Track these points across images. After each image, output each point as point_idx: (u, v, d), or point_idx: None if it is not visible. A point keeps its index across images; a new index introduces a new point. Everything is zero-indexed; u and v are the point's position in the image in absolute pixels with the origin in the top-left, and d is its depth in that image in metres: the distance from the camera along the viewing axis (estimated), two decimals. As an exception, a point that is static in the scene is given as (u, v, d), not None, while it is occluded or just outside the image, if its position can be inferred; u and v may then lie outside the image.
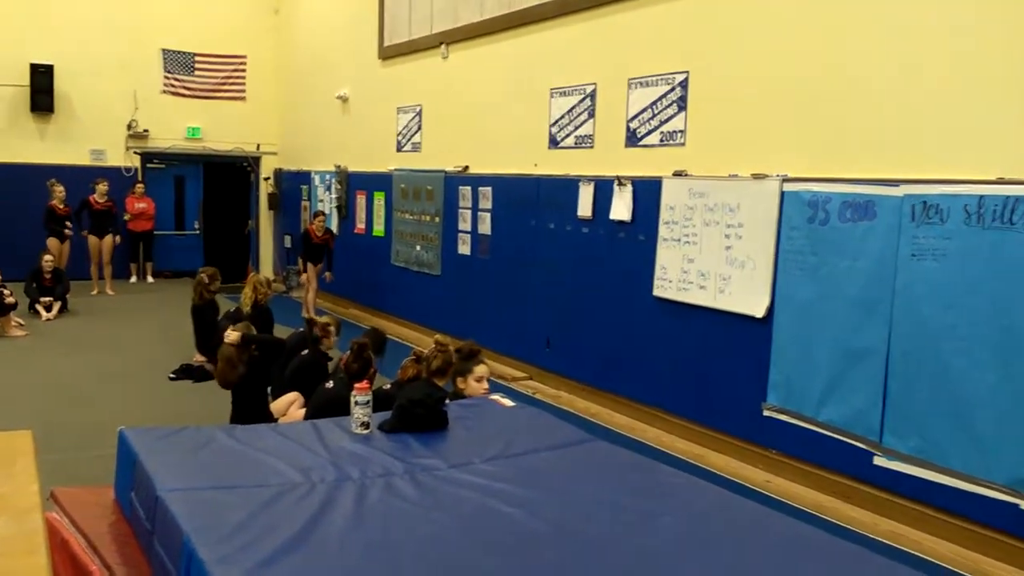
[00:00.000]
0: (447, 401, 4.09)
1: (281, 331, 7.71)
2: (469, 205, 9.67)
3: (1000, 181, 4.73)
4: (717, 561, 2.72)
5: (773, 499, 5.46)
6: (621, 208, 7.40)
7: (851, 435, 5.48)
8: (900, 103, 5.33)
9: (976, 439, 4.79)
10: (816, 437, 5.71)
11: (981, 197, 4.79)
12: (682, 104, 6.91)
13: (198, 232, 15.51)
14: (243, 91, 15.14)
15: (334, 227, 12.47)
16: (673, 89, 6.98)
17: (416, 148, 10.97)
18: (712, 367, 6.56)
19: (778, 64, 6.11)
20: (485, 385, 4.65)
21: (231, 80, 15.06)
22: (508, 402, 4.33)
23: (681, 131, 6.94)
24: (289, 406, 5.92)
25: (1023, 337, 4.57)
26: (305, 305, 11.33)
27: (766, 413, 6.08)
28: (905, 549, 4.83)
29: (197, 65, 14.78)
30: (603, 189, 7.61)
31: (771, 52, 6.17)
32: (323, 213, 11.89)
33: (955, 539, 4.88)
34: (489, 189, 9.32)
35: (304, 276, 11.62)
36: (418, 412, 3.78)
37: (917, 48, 5.24)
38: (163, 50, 14.50)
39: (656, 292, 7.03)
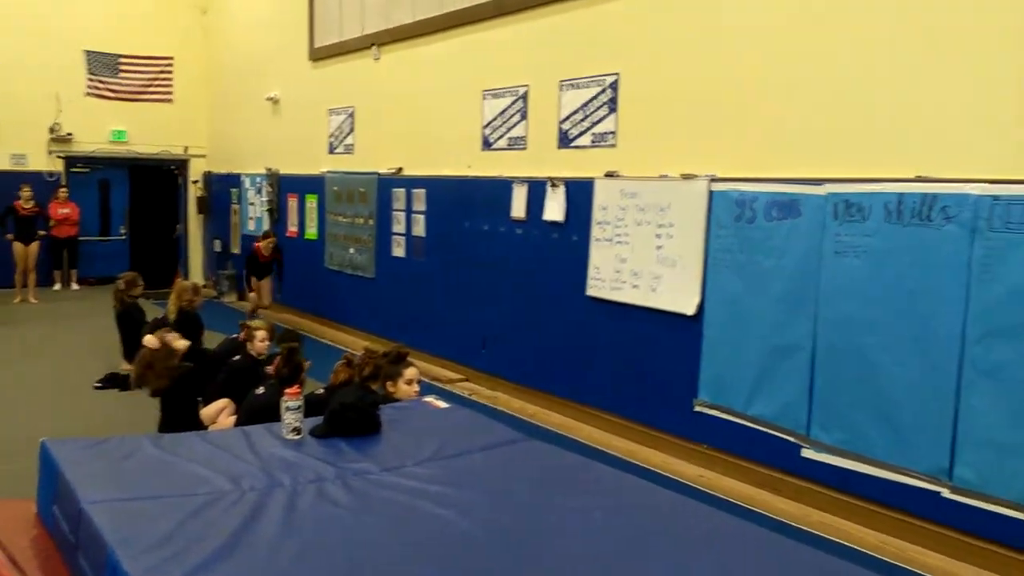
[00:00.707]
0: (380, 405, 4.06)
1: (213, 338, 7.57)
2: (403, 207, 9.63)
3: (918, 179, 4.88)
4: (650, 557, 2.75)
5: (705, 493, 5.54)
6: (554, 209, 7.44)
7: (780, 428, 5.61)
8: (823, 104, 5.47)
9: (898, 430, 4.94)
10: (746, 431, 5.83)
11: (901, 195, 4.94)
12: (613, 106, 6.98)
13: (124, 238, 15.15)
14: (170, 93, 14.83)
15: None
16: (604, 91, 7.04)
17: (349, 150, 10.87)
18: (645, 365, 6.64)
19: (706, 66, 6.21)
20: (416, 388, 4.63)
21: (157, 82, 14.73)
22: (442, 404, 4.32)
23: (612, 132, 7.01)
24: (219, 413, 5.81)
25: (941, 331, 4.72)
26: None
27: (698, 409, 6.19)
28: (833, 539, 4.95)
29: (122, 67, 14.43)
30: (536, 190, 7.65)
31: (700, 54, 6.27)
32: (273, 234, 11.35)
33: (881, 527, 5.02)
34: (423, 191, 9.29)
35: (252, 295, 11.31)
36: (350, 416, 3.74)
37: (839, 51, 5.38)
38: (86, 51, 14.12)
39: (590, 292, 7.09)
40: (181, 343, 5.97)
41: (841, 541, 4.93)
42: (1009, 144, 4.57)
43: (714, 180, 6.08)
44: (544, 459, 3.77)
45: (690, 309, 6.20)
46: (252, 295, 11.30)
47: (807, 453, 5.44)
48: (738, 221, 5.90)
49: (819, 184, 5.37)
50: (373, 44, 10.13)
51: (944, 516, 4.75)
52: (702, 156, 6.22)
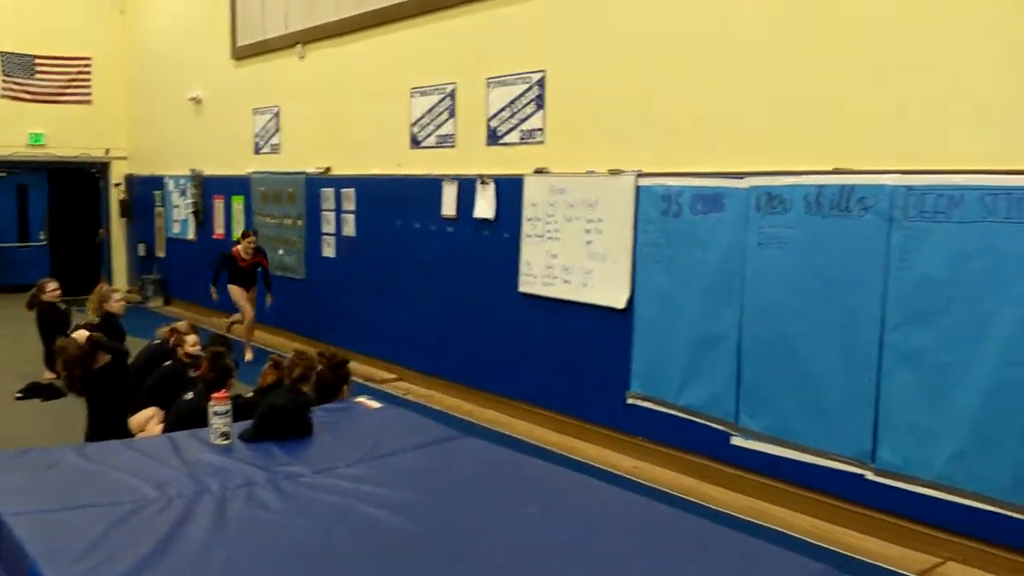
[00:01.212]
0: (311, 407, 4.02)
1: (136, 344, 7.38)
2: (332, 207, 9.53)
3: (836, 171, 5.02)
4: (583, 548, 2.78)
5: (640, 484, 5.61)
6: (485, 206, 7.45)
7: (709, 418, 5.71)
8: (745, 99, 5.57)
9: (823, 415, 5.07)
10: (677, 421, 5.92)
11: (820, 187, 5.07)
12: (540, 103, 7.02)
13: (44, 243, 14.68)
14: (89, 94, 14.41)
15: (191, 233, 12.03)
16: (531, 88, 7.07)
17: (275, 150, 10.72)
18: (578, 359, 6.69)
19: (632, 63, 6.28)
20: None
21: (76, 83, 14.30)
22: (374, 404, 4.30)
23: (540, 129, 7.04)
24: (148, 421, 5.67)
25: (862, 318, 4.86)
26: (243, 341, 9.37)
27: (630, 401, 6.26)
28: (763, 523, 5.05)
29: (38, 68, 13.96)
30: (466, 188, 7.64)
31: (625, 52, 6.34)
32: (254, 232, 9.65)
33: (810, 511, 5.15)
34: (352, 190, 9.20)
35: (237, 315, 9.73)
36: (280, 419, 3.70)
37: (757, 47, 5.49)
38: (1, 53, 13.63)
39: (522, 288, 7.12)
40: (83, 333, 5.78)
41: (771, 526, 5.03)
42: (921, 135, 4.72)
43: (641, 175, 6.15)
44: (478, 455, 3.79)
45: (620, 303, 6.28)
46: (237, 316, 9.75)
47: (736, 441, 5.55)
48: (665, 215, 5.98)
49: (742, 178, 5.48)
50: (298, 43, 10.00)
51: (869, 498, 4.90)
52: (629, 152, 6.29)
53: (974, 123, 4.52)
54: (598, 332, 6.50)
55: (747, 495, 5.42)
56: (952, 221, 4.50)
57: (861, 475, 4.92)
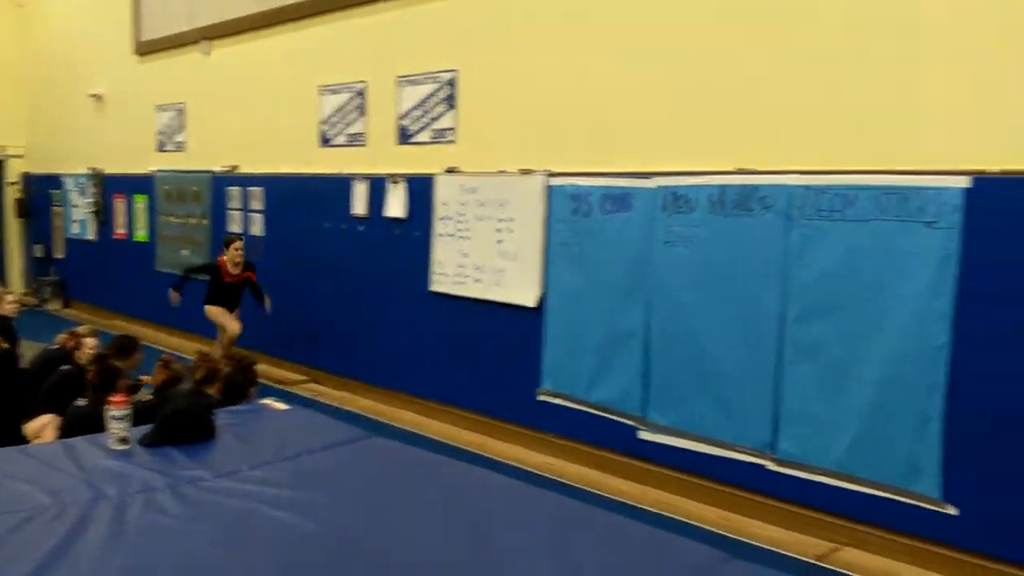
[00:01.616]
0: (215, 409, 3.93)
1: (32, 348, 7.10)
2: (239, 206, 9.33)
3: (739, 172, 5.16)
4: (489, 546, 2.79)
5: (550, 480, 5.66)
6: (396, 205, 7.41)
7: (618, 413, 5.81)
8: (652, 101, 5.68)
9: (726, 408, 5.21)
10: (587, 417, 6.00)
11: (723, 187, 5.20)
12: (452, 102, 7.01)
13: (-67, 245, 13.99)
14: (-18, 90, 13.77)
15: (91, 233, 11.62)
16: (442, 87, 7.07)
17: (180, 148, 10.44)
18: (490, 358, 6.72)
19: (543, 64, 6.34)
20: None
21: (-32, 78, 13.65)
22: (281, 405, 4.23)
23: (451, 128, 7.04)
24: (43, 428, 5.45)
25: (763, 313, 5.01)
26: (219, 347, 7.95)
27: (541, 398, 6.32)
28: (672, 516, 5.15)
29: (-73, 62, 13.29)
30: (377, 187, 7.59)
31: (536, 53, 6.39)
32: (240, 237, 8.33)
33: (716, 502, 5.28)
34: (260, 189, 9.03)
35: (222, 335, 8.17)
36: (180, 422, 3.60)
37: (665, 51, 5.60)
38: None
39: (433, 287, 7.11)
40: None
41: (677, 517, 5.14)
42: (818, 136, 4.89)
43: (551, 175, 6.21)
44: (387, 456, 3.75)
45: (531, 301, 6.32)
46: (222, 335, 8.23)
47: (644, 435, 5.65)
48: (575, 215, 6.05)
49: (649, 178, 5.58)
50: (203, 38, 9.76)
51: (770, 487, 5.05)
52: (539, 152, 6.35)
53: (866, 125, 4.70)
54: (510, 331, 6.53)
55: (655, 488, 5.53)
56: (847, 220, 4.67)
57: (763, 465, 5.07)
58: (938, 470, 4.42)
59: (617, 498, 5.41)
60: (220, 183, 9.59)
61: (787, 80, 5.02)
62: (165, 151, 10.70)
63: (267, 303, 8.12)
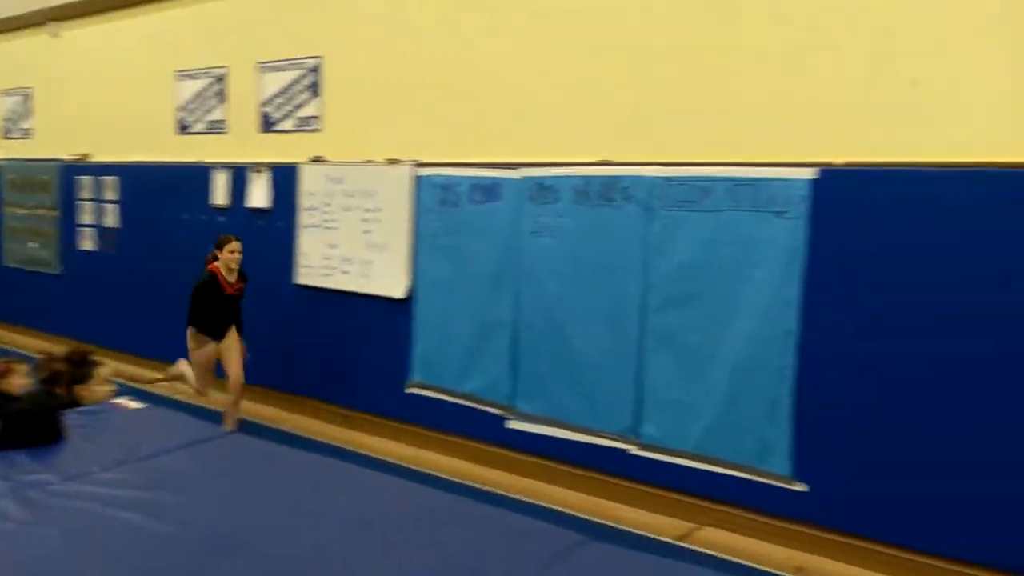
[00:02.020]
0: (63, 410, 3.73)
1: None
2: (91, 196, 8.87)
3: (603, 163, 5.26)
4: (361, 542, 2.75)
5: (420, 472, 5.65)
6: (259, 195, 7.21)
7: (488, 403, 5.84)
8: (518, 92, 5.73)
9: (592, 396, 5.32)
10: (457, 408, 6.01)
11: (588, 178, 5.30)
12: (316, 90, 6.87)
13: None
14: None
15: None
16: (306, 74, 6.91)
17: (27, 135, 9.84)
18: (358, 351, 6.63)
19: (411, 52, 6.29)
20: (109, 387, 4.30)
21: None
22: (135, 404, 4.05)
23: (316, 117, 6.90)
24: None
25: (625, 302, 5.13)
26: (226, 414, 6.41)
27: (411, 391, 6.29)
28: (541, 503, 5.22)
29: None
30: (239, 176, 7.36)
31: (404, 41, 6.34)
32: (237, 238, 6.29)
33: (583, 488, 5.39)
34: (114, 179, 8.61)
35: (188, 365, 6.60)
36: (24, 425, 3.40)
37: (531, 41, 5.66)
38: None
39: (299, 279, 6.96)
40: None
41: (545, 504, 5.20)
42: (677, 129, 5.04)
43: (419, 165, 6.17)
44: (248, 453, 3.65)
45: (400, 292, 6.28)
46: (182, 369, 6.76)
47: (513, 424, 5.71)
48: (443, 205, 6.04)
49: (516, 168, 5.62)
50: (52, 19, 9.21)
51: (635, 471, 5.19)
52: (408, 141, 6.30)
53: (721, 119, 4.89)
54: (378, 323, 6.46)
55: (524, 476, 5.60)
56: (703, 210, 4.84)
57: (626, 450, 5.21)
58: (788, 449, 4.65)
59: (488, 488, 5.44)
60: (70, 172, 9.08)
61: (647, 74, 5.16)
62: (11, 138, 10.06)
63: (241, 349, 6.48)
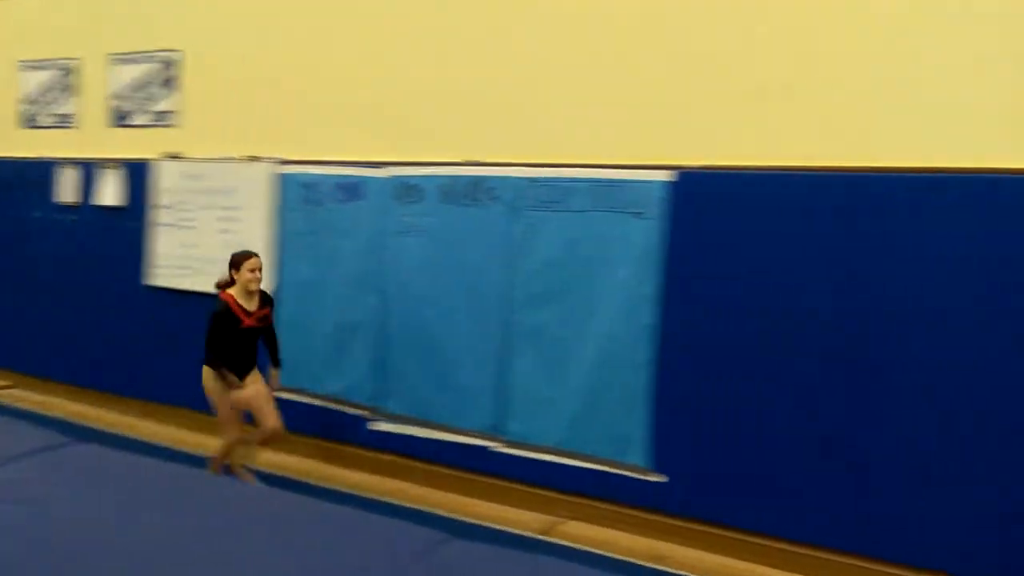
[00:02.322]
0: None
1: None
2: (-77, 193, 8.26)
3: (468, 163, 5.28)
4: (217, 549, 2.65)
5: (281, 477, 5.51)
6: (110, 193, 6.88)
7: (352, 404, 5.76)
8: (384, 89, 5.69)
9: (458, 394, 5.32)
10: (320, 411, 5.89)
11: (453, 177, 5.31)
12: (173, 84, 6.62)
13: None
14: None
15: None
16: (161, 67, 6.65)
17: None
18: (217, 354, 6.40)
19: (273, 48, 6.16)
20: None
21: None
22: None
23: (173, 112, 6.65)
24: None
25: (491, 300, 5.16)
26: (228, 452, 5.31)
27: (272, 394, 6.11)
28: (406, 504, 5.17)
29: None
30: (89, 172, 7.00)
31: (266, 36, 6.19)
32: (255, 254, 5.15)
33: (447, 487, 5.38)
34: (-52, 174, 8.04)
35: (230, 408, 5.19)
36: None
37: (396, 38, 5.63)
38: None
39: (152, 280, 6.67)
40: None
41: (409, 504, 5.15)
42: (542, 130, 5.12)
43: (281, 163, 6.04)
44: (94, 463, 3.46)
45: (261, 293, 6.11)
46: (253, 424, 5.29)
47: (377, 425, 5.64)
48: (307, 204, 5.93)
49: (381, 167, 5.58)
50: None
51: (500, 468, 5.22)
52: (270, 138, 6.15)
53: (583, 121, 4.99)
54: (238, 324, 6.26)
55: (388, 477, 5.54)
56: (566, 210, 4.93)
57: (491, 447, 5.23)
58: (647, 441, 4.77)
59: (349, 490, 5.35)
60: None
61: (514, 76, 5.22)
62: None
63: (275, 376, 5.39)
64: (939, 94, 4.12)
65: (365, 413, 5.70)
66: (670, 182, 4.65)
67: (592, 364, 4.86)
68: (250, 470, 5.38)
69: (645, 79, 4.83)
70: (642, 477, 4.80)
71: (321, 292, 5.88)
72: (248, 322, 5.11)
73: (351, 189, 5.73)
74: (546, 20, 5.12)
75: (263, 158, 6.09)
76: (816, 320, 4.32)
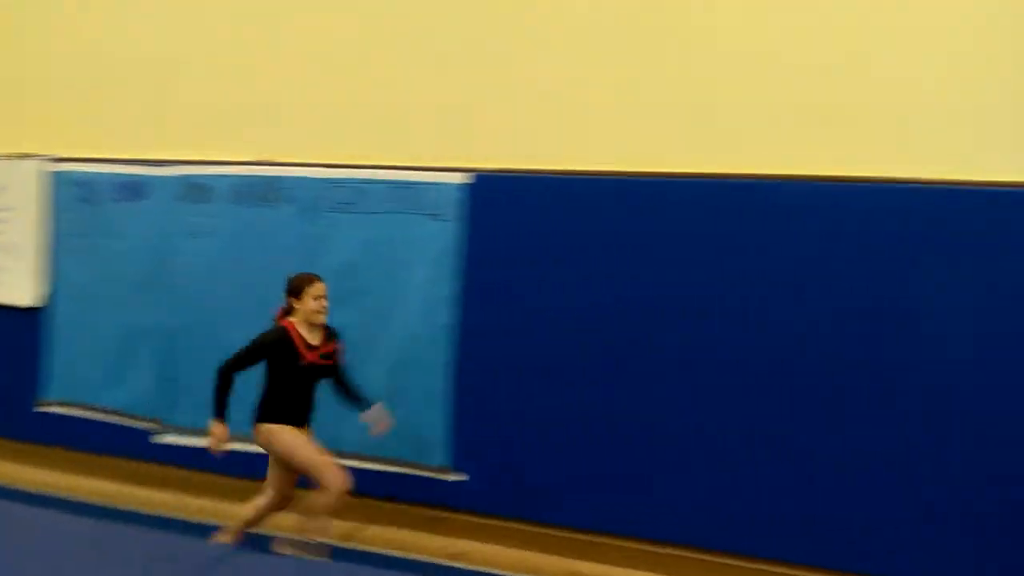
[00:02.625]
0: None
1: None
2: None
3: (260, 163, 5.13)
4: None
5: (53, 497, 5.13)
6: None
7: (136, 417, 5.44)
8: (168, 83, 5.48)
9: (248, 403, 5.10)
10: (100, 426, 5.53)
11: (246, 178, 5.14)
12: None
13: None
14: None
15: None
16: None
17: None
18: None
19: (46, 40, 5.86)
20: None
21: None
22: None
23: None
24: None
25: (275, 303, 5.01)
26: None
27: (44, 409, 5.68)
28: (191, 519, 4.95)
29: None
30: None
31: (40, 28, 5.87)
32: (318, 277, 4.36)
33: (242, 499, 5.15)
34: None
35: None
36: None
37: (178, 32, 5.41)
38: None
39: (-97, 290, 6.02)
40: None
41: (194, 519, 4.97)
42: (338, 131, 5.06)
43: (55, 160, 5.65)
44: None
45: (29, 300, 5.67)
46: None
47: (162, 437, 5.34)
48: (84, 204, 5.58)
49: (167, 165, 5.33)
50: None
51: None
52: (42, 135, 5.78)
53: (382, 122, 4.98)
54: (2, 335, 5.78)
55: (173, 491, 5.28)
56: (363, 212, 4.88)
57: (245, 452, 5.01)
58: (447, 441, 4.79)
59: (135, 509, 5.06)
60: None
61: (308, 74, 5.15)
62: None
63: (379, 423, 4.46)
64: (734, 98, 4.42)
65: (152, 425, 5.38)
66: (467, 184, 4.71)
67: (392, 366, 4.83)
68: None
69: (443, 82, 4.88)
70: (443, 477, 4.81)
71: (101, 298, 5.53)
72: (310, 357, 4.22)
73: (133, 188, 5.44)
74: (344, 17, 5.07)
75: (35, 155, 5.67)
76: (606, 317, 4.50)
